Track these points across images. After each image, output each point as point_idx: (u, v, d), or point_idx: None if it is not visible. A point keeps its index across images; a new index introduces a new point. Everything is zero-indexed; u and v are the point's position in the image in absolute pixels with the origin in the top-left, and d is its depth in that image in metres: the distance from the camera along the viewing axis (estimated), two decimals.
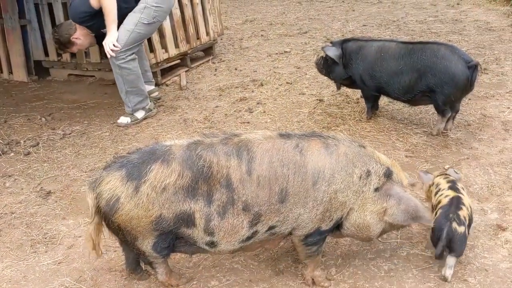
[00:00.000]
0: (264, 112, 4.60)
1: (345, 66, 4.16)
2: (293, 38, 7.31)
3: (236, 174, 2.18)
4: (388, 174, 2.35)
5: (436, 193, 2.70)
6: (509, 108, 4.39)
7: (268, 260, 2.71)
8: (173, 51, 5.52)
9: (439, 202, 2.60)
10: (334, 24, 8.02)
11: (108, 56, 4.23)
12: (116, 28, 4.18)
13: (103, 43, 4.20)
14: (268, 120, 4.41)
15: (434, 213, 2.60)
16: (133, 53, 4.32)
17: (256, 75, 5.64)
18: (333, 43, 4.27)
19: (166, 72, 5.66)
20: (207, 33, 6.12)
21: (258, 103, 4.81)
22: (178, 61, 5.74)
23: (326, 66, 4.31)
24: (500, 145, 3.76)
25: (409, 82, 3.83)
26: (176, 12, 5.54)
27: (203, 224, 2.20)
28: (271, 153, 2.23)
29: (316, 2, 9.98)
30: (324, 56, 4.31)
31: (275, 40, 7.26)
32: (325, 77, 5.37)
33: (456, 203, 2.53)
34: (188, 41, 5.79)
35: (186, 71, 5.81)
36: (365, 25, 7.75)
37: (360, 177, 2.29)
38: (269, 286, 2.53)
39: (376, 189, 2.32)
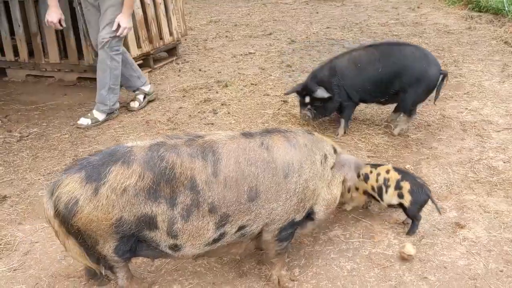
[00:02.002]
0: (229, 113, 4.57)
1: (333, 96, 3.95)
2: (257, 39, 7.31)
3: (202, 176, 2.16)
4: (335, 150, 2.57)
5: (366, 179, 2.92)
6: (467, 109, 4.51)
7: (231, 263, 2.69)
8: (135, 52, 5.42)
9: (388, 180, 2.86)
10: (298, 26, 8.07)
11: (107, 39, 4.21)
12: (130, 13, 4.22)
13: (117, 20, 4.13)
14: (233, 121, 4.39)
15: (385, 191, 2.86)
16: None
17: (220, 76, 5.61)
18: (307, 86, 3.99)
19: None
20: (171, 34, 6.05)
21: (222, 104, 4.78)
22: (141, 61, 5.62)
23: (320, 111, 4.05)
24: (458, 144, 3.86)
25: (386, 84, 3.88)
26: (138, 12, 5.45)
27: (166, 227, 2.16)
28: (237, 153, 2.25)
29: (280, 4, 10.02)
30: (309, 107, 4.02)
31: (239, 41, 7.24)
32: (290, 79, 5.45)
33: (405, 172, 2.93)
34: (150, 42, 5.70)
35: (149, 72, 5.72)
36: (328, 27, 7.83)
37: (321, 162, 2.44)
38: None
39: (332, 167, 2.50)
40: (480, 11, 8.23)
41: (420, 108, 4.46)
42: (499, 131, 4.05)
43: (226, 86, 5.27)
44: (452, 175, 3.44)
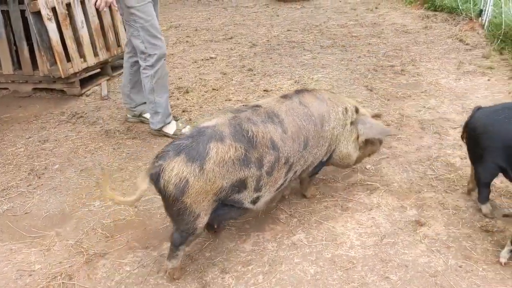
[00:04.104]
0: (190, 119, 4.51)
1: None
2: (218, 43, 7.28)
3: (277, 136, 2.57)
4: (357, 110, 3.06)
5: None
6: (424, 107, 4.59)
7: (194, 273, 2.65)
8: (92, 60, 5.30)
9: None
10: (259, 29, 8.08)
11: None
12: None
13: None
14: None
15: None
16: None
17: (181, 82, 5.55)
18: None
19: (85, 82, 5.42)
20: None
21: (183, 111, 4.72)
22: (98, 70, 5.52)
23: None
24: (417, 143, 3.92)
25: None
26: (94, 19, 5.33)
27: (254, 185, 2.51)
28: (291, 112, 2.71)
29: (241, 7, 10.01)
30: None
31: (200, 46, 7.19)
32: (252, 83, 5.44)
33: None
34: (108, 49, 5.59)
35: (107, 80, 5.61)
36: (289, 30, 7.86)
37: (343, 113, 2.95)
38: None
39: (351, 123, 3.01)
40: (435, 10, 8.43)
41: (379, 108, 4.53)
42: (456, 128, 4.14)
43: (187, 92, 5.21)
44: (411, 173, 3.49)
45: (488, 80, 5.17)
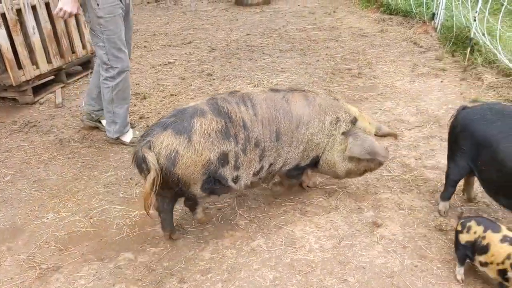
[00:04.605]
0: (147, 126, 4.44)
1: None
2: (177, 48, 7.21)
3: (247, 117, 2.70)
4: (354, 121, 2.96)
5: None
6: (381, 109, 4.68)
7: (152, 284, 2.59)
8: (45, 67, 5.14)
9: None
10: (219, 33, 8.06)
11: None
12: None
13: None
14: None
15: None
16: None
17: (138, 88, 5.46)
18: None
19: (39, 89, 5.25)
20: (84, 47, 5.80)
21: (140, 118, 4.64)
22: (52, 77, 5.36)
23: None
24: None
25: None
26: (46, 25, 5.17)
27: (234, 162, 2.68)
28: (267, 101, 2.79)
29: (200, 11, 9.96)
30: None
31: (158, 51, 7.10)
32: (211, 88, 5.42)
33: None
34: (62, 56, 5.44)
35: (61, 88, 5.45)
36: (248, 34, 7.88)
37: (331, 123, 2.90)
38: None
39: (344, 133, 2.93)
40: (391, 14, 8.64)
41: None
42: (410, 129, 4.23)
43: (145, 98, 5.13)
44: (368, 175, 3.53)
45: (441, 81, 5.33)
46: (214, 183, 2.71)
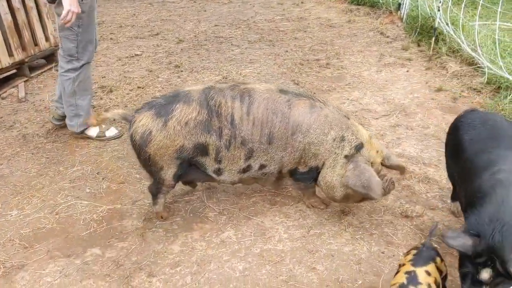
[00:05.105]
0: (114, 120, 4.36)
1: None
2: (144, 40, 7.10)
3: (238, 113, 2.67)
4: (359, 148, 2.74)
5: None
6: (348, 99, 4.73)
7: (120, 279, 2.56)
8: (6, 60, 4.97)
9: None
10: (186, 24, 7.97)
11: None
12: None
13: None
14: (119, 128, 4.19)
15: None
16: None
17: (104, 81, 5.35)
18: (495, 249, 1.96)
19: (0, 83, 5.08)
20: (47, 39, 5.63)
21: (107, 111, 4.55)
22: (14, 70, 5.20)
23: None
24: None
25: None
26: (7, 17, 5.00)
27: (214, 154, 2.71)
28: (267, 101, 2.72)
29: (167, 2, 9.82)
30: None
31: (125, 43, 6.98)
32: (179, 79, 5.36)
33: None
34: (24, 49, 5.27)
35: (24, 81, 5.30)
36: (217, 25, 7.82)
37: (334, 139, 2.73)
38: None
39: (346, 157, 2.74)
40: (358, 4, 8.70)
41: None
42: (377, 118, 4.29)
43: (111, 91, 5.04)
44: None
45: (407, 71, 5.41)
46: (192, 169, 2.79)
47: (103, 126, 4.07)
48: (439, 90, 4.78)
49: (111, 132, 4.05)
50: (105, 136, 4.01)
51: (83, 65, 3.78)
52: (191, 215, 3.07)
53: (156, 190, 2.89)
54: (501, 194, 2.07)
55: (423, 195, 3.17)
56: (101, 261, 2.69)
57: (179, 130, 2.63)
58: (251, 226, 2.96)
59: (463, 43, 5.35)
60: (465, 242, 1.99)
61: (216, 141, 2.68)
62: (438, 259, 2.15)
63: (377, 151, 2.82)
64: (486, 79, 4.78)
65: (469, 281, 2.03)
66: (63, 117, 4.09)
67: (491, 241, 1.93)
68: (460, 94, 4.67)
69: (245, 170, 2.80)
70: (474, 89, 4.74)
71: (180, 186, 3.33)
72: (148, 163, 2.74)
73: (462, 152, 2.50)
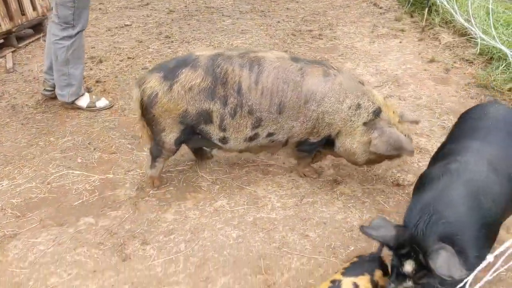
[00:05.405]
0: (104, 90, 4.31)
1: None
2: (134, 10, 6.95)
3: (246, 83, 2.63)
4: (377, 113, 2.71)
5: None
6: None
7: (114, 246, 2.57)
8: None
9: None
10: None
11: None
12: None
13: None
14: (110, 98, 4.15)
15: None
16: None
17: (94, 52, 5.26)
18: (419, 241, 1.84)
19: None
20: (34, 8, 5.50)
21: (97, 82, 4.49)
22: (1, 41, 5.09)
23: None
24: None
25: None
26: None
27: (218, 122, 2.70)
28: (278, 70, 2.67)
29: None
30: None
31: (114, 13, 6.84)
32: (169, 50, 5.29)
33: None
34: (11, 18, 5.14)
35: (12, 52, 5.19)
36: None
37: (350, 107, 2.69)
38: (116, 273, 2.40)
39: (365, 124, 2.71)
40: None
41: None
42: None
43: (101, 61, 4.96)
44: None
45: (400, 42, 5.38)
46: (196, 136, 2.81)
47: (94, 96, 4.02)
48: (431, 61, 4.77)
49: (102, 102, 4.00)
50: (95, 106, 3.96)
51: (78, 32, 3.73)
52: (184, 184, 3.07)
53: (156, 152, 2.89)
54: (445, 183, 1.95)
55: (414, 164, 3.19)
56: (94, 230, 2.69)
57: (183, 95, 2.64)
58: (244, 195, 2.97)
59: (456, 13, 5.31)
60: (388, 233, 1.86)
61: (220, 109, 2.66)
62: (378, 272, 1.98)
63: (393, 112, 2.82)
64: (478, 50, 4.77)
65: (394, 274, 1.88)
66: (53, 88, 4.02)
67: (414, 230, 1.82)
68: (452, 65, 4.66)
69: (252, 138, 2.78)
70: (467, 60, 4.74)
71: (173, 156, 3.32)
72: (151, 122, 2.78)
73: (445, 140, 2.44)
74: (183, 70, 2.65)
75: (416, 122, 3.01)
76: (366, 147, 2.73)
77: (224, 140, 2.79)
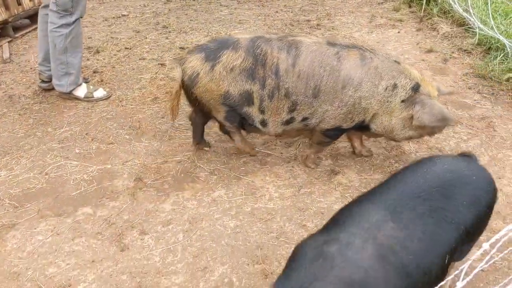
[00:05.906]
0: (102, 81, 4.30)
1: None
2: (131, 0, 6.92)
3: (283, 65, 2.69)
4: (416, 88, 2.72)
5: None
6: None
7: (112, 236, 2.58)
8: None
9: None
10: None
11: None
12: None
13: None
14: (107, 89, 4.13)
15: None
16: None
17: (91, 42, 5.24)
18: None
19: None
20: None
21: (94, 72, 4.48)
22: None
23: None
24: None
25: None
26: None
27: (258, 104, 2.78)
28: (315, 54, 2.70)
29: None
30: None
31: (111, 3, 6.80)
32: (167, 40, 5.27)
33: None
34: (7, 8, 5.12)
35: (9, 42, 5.17)
36: None
37: (386, 89, 2.71)
38: (114, 263, 2.41)
39: (403, 101, 2.73)
40: None
41: None
42: None
43: (98, 52, 4.94)
44: None
45: (398, 32, 5.37)
46: (241, 119, 2.88)
47: (91, 87, 4.01)
48: (429, 51, 4.76)
49: (99, 93, 3.99)
50: (93, 97, 3.96)
51: (76, 20, 3.70)
52: (182, 175, 3.07)
53: (224, 130, 3.10)
54: (314, 273, 1.47)
55: (412, 154, 3.20)
56: (92, 220, 2.70)
57: (225, 75, 2.71)
58: (242, 185, 2.97)
59: (454, 3, 5.29)
60: None
61: (259, 90, 2.73)
62: None
63: (432, 86, 2.82)
64: (476, 40, 4.76)
65: None
66: (50, 80, 4.01)
67: None
68: (450, 55, 4.65)
69: (288, 122, 2.84)
70: (465, 50, 4.73)
71: (169, 146, 3.33)
72: (196, 103, 2.89)
73: None
74: (225, 52, 2.72)
75: (452, 94, 3.14)
76: (405, 123, 2.77)
77: (263, 122, 2.87)
